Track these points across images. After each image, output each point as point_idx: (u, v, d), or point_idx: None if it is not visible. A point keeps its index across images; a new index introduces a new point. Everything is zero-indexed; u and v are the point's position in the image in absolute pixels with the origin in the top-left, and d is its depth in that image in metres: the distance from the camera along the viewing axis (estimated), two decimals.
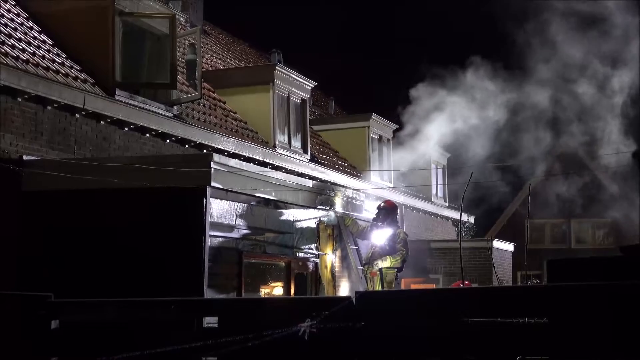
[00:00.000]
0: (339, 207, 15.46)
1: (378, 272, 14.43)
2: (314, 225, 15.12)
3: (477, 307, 7.50)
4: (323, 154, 22.12)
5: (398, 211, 15.71)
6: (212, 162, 11.86)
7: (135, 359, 7.31)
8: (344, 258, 15.77)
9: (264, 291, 14.07)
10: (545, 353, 7.28)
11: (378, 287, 14.30)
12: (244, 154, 16.83)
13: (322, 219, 15.26)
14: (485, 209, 28.60)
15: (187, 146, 15.55)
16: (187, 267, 11.59)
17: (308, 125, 20.59)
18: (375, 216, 15.02)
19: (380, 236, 14.72)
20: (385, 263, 14.43)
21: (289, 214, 14.36)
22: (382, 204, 15.14)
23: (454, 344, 7.43)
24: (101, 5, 14.28)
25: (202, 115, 16.87)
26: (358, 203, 16.43)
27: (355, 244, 15.84)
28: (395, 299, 8.29)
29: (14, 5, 14.31)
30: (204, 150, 15.76)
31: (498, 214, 38.03)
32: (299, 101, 20.24)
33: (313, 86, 21.03)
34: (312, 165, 19.87)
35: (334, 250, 15.69)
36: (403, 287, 19.26)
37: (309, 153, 20.22)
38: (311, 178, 18.30)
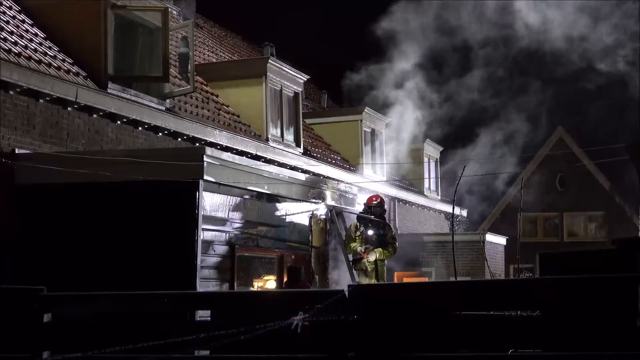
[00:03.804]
0: (331, 200, 15.46)
1: (373, 264, 14.47)
2: (307, 219, 15.12)
3: (467, 300, 7.53)
4: (316, 148, 22.11)
5: (385, 206, 15.78)
6: (204, 156, 11.86)
7: (128, 353, 7.29)
8: (336, 251, 15.77)
9: (256, 284, 14.07)
10: (538, 346, 7.31)
11: (374, 281, 14.36)
12: (237, 148, 16.82)
13: (314, 212, 15.26)
14: (478, 202, 28.61)
15: (179, 139, 15.53)
16: (180, 261, 11.60)
17: (301, 119, 20.57)
18: (363, 213, 15.10)
19: (371, 231, 14.79)
20: (372, 256, 14.48)
21: (281, 208, 14.35)
22: (374, 202, 15.13)
23: (447, 337, 7.44)
24: None
25: (194, 108, 16.85)
26: (350, 196, 16.43)
27: None
28: (388, 292, 8.29)
29: None
30: (197, 144, 15.74)
31: (491, 207, 38.07)
32: (292, 94, 20.21)
33: (306, 79, 21.01)
34: (304, 158, 19.85)
35: (327, 243, 15.69)
36: (395, 281, 19.28)
37: (302, 146, 20.21)
38: (304, 171, 18.29)
